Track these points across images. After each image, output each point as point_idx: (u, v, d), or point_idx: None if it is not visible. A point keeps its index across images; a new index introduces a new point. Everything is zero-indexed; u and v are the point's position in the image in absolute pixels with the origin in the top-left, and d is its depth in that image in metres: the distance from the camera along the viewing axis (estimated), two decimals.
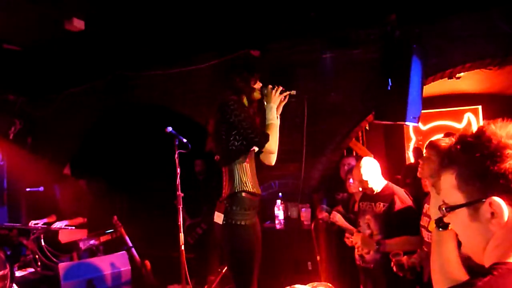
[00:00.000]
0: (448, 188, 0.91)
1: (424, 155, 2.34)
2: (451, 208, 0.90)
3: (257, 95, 2.59)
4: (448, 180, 0.90)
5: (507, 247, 0.82)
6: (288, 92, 2.59)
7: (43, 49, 4.16)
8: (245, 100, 2.58)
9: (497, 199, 0.83)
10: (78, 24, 3.34)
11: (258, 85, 2.60)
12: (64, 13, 3.32)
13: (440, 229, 1.19)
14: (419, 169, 2.33)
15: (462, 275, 1.10)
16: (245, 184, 2.47)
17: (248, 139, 2.45)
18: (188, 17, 3.68)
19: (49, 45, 4.06)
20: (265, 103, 2.57)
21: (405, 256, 2.55)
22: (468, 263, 1.06)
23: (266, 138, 2.46)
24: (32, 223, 4.28)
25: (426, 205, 2.39)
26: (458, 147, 0.89)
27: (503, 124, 0.86)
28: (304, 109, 2.68)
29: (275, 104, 2.55)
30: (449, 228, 1.16)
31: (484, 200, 0.84)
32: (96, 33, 3.79)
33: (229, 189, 2.48)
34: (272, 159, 2.63)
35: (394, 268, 2.52)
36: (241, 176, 2.47)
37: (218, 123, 2.50)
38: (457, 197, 0.88)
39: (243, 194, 2.45)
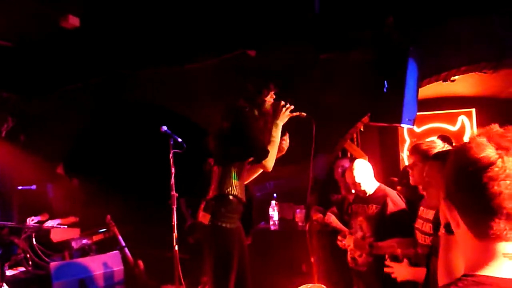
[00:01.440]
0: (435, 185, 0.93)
1: (409, 161, 2.36)
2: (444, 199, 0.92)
3: (267, 108, 2.62)
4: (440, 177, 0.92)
5: (477, 260, 0.82)
6: (297, 113, 2.63)
7: (38, 46, 4.12)
8: (256, 111, 2.59)
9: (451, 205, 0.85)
10: (73, 21, 3.31)
11: (270, 97, 2.63)
12: (59, 10, 3.29)
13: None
14: (410, 177, 2.34)
15: None
16: (234, 188, 2.51)
17: (250, 150, 2.50)
18: (184, 16, 3.66)
19: (44, 42, 4.02)
20: (273, 118, 2.59)
21: (399, 249, 2.55)
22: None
23: (266, 155, 2.49)
24: (29, 220, 4.24)
25: (421, 208, 2.40)
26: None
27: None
28: (312, 132, 2.72)
29: (282, 123, 2.59)
30: None
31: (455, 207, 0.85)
32: (91, 31, 3.77)
33: (217, 189, 2.51)
34: (269, 166, 2.60)
35: (388, 261, 2.48)
36: (232, 180, 2.50)
37: (229, 125, 2.52)
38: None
39: (231, 197, 2.49)
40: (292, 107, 2.60)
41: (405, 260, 2.34)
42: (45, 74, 4.85)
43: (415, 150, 2.29)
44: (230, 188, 2.49)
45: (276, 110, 2.59)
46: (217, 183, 2.53)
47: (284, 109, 2.58)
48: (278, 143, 2.58)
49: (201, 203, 2.57)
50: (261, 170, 2.68)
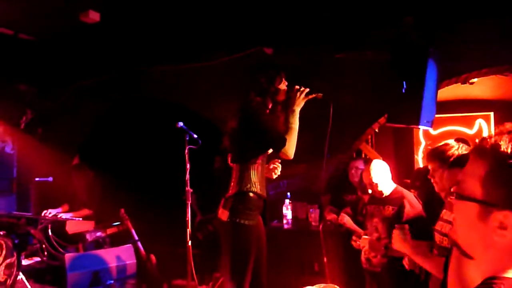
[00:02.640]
0: (469, 176, 0.85)
1: (429, 168, 2.25)
2: (464, 198, 0.85)
3: (282, 96, 2.56)
4: (475, 170, 0.83)
5: (506, 263, 0.80)
6: (313, 95, 2.55)
7: (57, 40, 4.18)
8: (269, 102, 2.55)
9: (509, 214, 0.78)
10: (94, 16, 3.34)
11: (283, 85, 2.57)
12: (80, 4, 3.33)
13: None
14: (434, 184, 2.26)
15: None
16: (253, 185, 2.48)
17: (266, 142, 2.47)
18: (200, 13, 3.67)
19: (63, 36, 4.07)
20: (289, 105, 2.52)
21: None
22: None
23: (283, 142, 2.44)
24: (47, 212, 4.31)
25: (444, 210, 2.36)
26: (500, 143, 0.81)
27: None
28: (329, 113, 2.65)
29: (299, 108, 2.52)
30: None
31: (501, 209, 0.78)
32: (109, 27, 3.80)
33: (237, 187, 2.48)
34: (290, 154, 2.55)
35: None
36: (251, 176, 2.48)
37: (238, 122, 2.50)
38: (476, 190, 0.82)
39: (251, 194, 2.46)
40: (307, 89, 2.53)
41: (407, 226, 2.27)
42: (63, 68, 4.91)
43: (433, 156, 2.23)
44: (249, 185, 2.47)
45: (291, 96, 2.52)
46: (236, 180, 2.51)
47: (298, 93, 2.51)
48: (297, 129, 2.51)
49: (221, 200, 2.56)
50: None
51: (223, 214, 2.48)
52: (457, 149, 2.16)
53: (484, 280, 0.80)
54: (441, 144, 2.33)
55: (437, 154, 2.18)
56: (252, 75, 2.60)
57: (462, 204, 0.86)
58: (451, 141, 2.28)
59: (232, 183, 2.52)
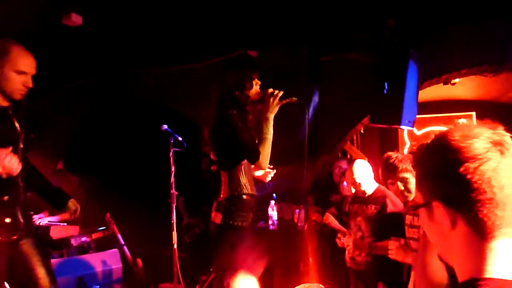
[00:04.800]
0: (415, 189, 0.93)
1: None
2: (413, 208, 0.90)
3: (254, 94, 2.47)
4: (413, 181, 0.92)
5: (476, 261, 0.79)
6: (288, 100, 2.41)
7: (40, 43, 4.13)
8: (240, 109, 2.45)
9: (439, 205, 0.82)
10: (76, 19, 3.32)
11: (256, 84, 2.47)
12: (62, 7, 3.31)
13: None
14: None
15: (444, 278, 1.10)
16: (244, 186, 2.46)
17: (240, 155, 2.44)
18: (186, 16, 3.68)
19: (46, 39, 4.04)
20: (262, 111, 2.41)
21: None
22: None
23: (257, 156, 2.38)
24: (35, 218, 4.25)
25: (407, 216, 2.39)
26: (420, 149, 0.89)
27: (465, 126, 0.84)
28: (304, 117, 2.59)
29: (273, 114, 2.40)
30: None
31: (432, 203, 0.83)
32: (94, 29, 3.78)
33: (228, 190, 2.47)
34: (264, 166, 2.49)
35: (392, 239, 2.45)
36: (240, 178, 2.46)
37: (213, 133, 2.49)
38: (418, 197, 0.88)
39: (244, 196, 2.45)
40: (281, 93, 2.39)
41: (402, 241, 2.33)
42: (47, 72, 4.86)
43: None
44: (240, 188, 2.44)
45: (264, 100, 2.39)
46: (226, 183, 2.50)
47: (272, 98, 2.37)
48: (271, 139, 2.41)
49: (214, 204, 2.55)
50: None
51: (217, 217, 2.47)
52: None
53: (462, 283, 0.79)
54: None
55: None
56: (223, 71, 2.53)
57: (420, 215, 0.91)
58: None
59: (223, 187, 2.50)
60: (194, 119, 4.51)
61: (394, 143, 6.31)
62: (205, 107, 2.84)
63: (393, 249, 2.31)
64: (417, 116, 3.43)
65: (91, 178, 4.69)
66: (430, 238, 0.90)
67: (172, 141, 3.27)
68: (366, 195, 3.03)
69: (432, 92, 4.57)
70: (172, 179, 3.25)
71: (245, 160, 2.48)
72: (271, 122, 2.42)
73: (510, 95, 5.30)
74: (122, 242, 4.35)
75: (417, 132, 5.98)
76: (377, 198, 2.97)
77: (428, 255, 1.15)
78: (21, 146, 2.16)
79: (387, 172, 2.47)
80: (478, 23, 3.54)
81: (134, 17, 3.68)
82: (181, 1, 3.38)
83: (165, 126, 3.30)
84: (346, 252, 3.10)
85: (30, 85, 2.12)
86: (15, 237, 2.09)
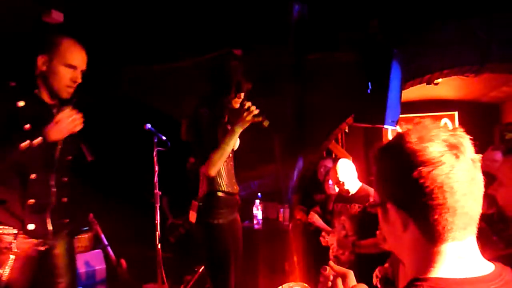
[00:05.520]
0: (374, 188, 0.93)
1: None
2: (371, 206, 0.90)
3: (234, 103, 2.44)
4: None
5: (423, 262, 0.80)
6: (258, 119, 2.33)
7: (21, 42, 4.05)
8: (213, 114, 2.46)
9: (392, 207, 0.82)
10: (57, 16, 3.26)
11: (239, 98, 2.42)
12: (43, 4, 3.24)
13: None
14: None
15: None
16: (219, 184, 2.46)
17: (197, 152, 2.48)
18: (170, 14, 3.64)
19: (27, 38, 3.95)
20: (233, 122, 2.39)
21: (377, 268, 2.58)
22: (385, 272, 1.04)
23: (203, 160, 2.39)
24: None
25: None
26: (378, 149, 0.89)
27: (423, 127, 0.83)
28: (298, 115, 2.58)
29: (241, 128, 2.35)
30: None
31: (386, 204, 0.83)
32: (75, 27, 3.71)
33: (204, 188, 2.48)
34: (210, 172, 2.44)
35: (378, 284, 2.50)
36: (215, 176, 2.46)
37: (188, 125, 2.51)
38: (375, 196, 0.89)
39: (218, 193, 2.45)
40: (257, 111, 2.32)
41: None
42: (29, 71, 4.77)
43: None
44: (216, 185, 2.46)
45: (239, 112, 2.35)
46: (204, 181, 2.51)
47: (246, 113, 2.31)
48: (228, 150, 2.37)
49: (191, 203, 2.54)
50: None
51: (192, 216, 2.47)
52: None
53: (407, 283, 0.80)
54: None
55: None
56: (211, 79, 2.51)
57: (377, 213, 0.92)
58: None
59: (200, 185, 2.51)
60: (179, 118, 4.47)
61: (379, 142, 6.37)
62: (190, 105, 2.83)
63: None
64: (401, 115, 3.46)
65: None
66: (385, 236, 0.90)
67: (156, 140, 3.24)
68: (350, 194, 3.05)
69: (416, 91, 4.62)
70: (156, 179, 3.23)
71: (224, 159, 2.48)
72: (236, 136, 2.38)
73: (492, 95, 5.40)
74: (106, 243, 4.30)
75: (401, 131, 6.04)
76: (361, 197, 2.99)
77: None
78: (60, 146, 1.99)
79: None
80: (460, 23, 3.59)
81: (118, 14, 3.63)
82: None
83: (149, 125, 3.27)
84: (330, 250, 3.11)
85: (79, 80, 1.98)
86: (41, 247, 1.88)
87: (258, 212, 3.94)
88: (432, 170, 0.76)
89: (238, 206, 2.62)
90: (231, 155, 2.55)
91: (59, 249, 1.96)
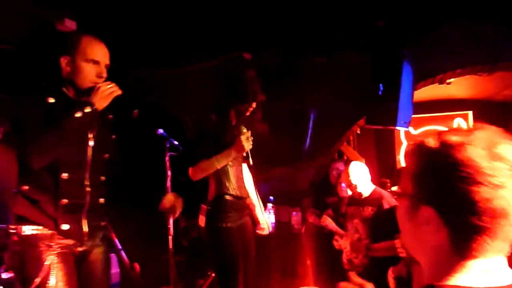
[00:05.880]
0: (404, 175, 0.86)
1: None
2: (398, 195, 0.87)
3: (247, 111, 2.50)
4: (407, 169, 0.84)
5: (443, 270, 0.76)
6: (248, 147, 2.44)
7: (35, 48, 4.12)
8: (228, 117, 2.52)
9: (430, 209, 0.76)
10: (70, 24, 3.32)
11: (253, 104, 2.49)
12: (56, 14, 3.30)
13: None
14: None
15: None
16: (227, 187, 2.49)
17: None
18: (179, 18, 3.67)
19: (40, 44, 4.02)
20: (232, 146, 2.44)
21: (390, 269, 2.55)
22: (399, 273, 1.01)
23: (191, 164, 2.47)
24: None
25: None
26: (426, 140, 0.82)
27: (489, 137, 0.76)
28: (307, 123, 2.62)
29: (235, 153, 2.44)
30: None
31: (426, 204, 0.77)
32: (88, 33, 3.77)
33: (213, 192, 2.50)
34: (193, 177, 2.57)
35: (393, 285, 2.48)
36: (223, 180, 2.48)
37: (193, 128, 2.58)
38: (407, 187, 0.82)
39: (226, 196, 2.48)
40: (250, 146, 2.44)
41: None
42: (41, 76, 4.85)
43: None
44: (224, 188, 2.48)
45: (239, 135, 2.42)
46: (213, 185, 2.53)
47: (246, 140, 2.40)
48: (217, 167, 2.44)
49: (200, 207, 2.56)
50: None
51: (202, 220, 2.49)
52: None
53: (423, 287, 0.76)
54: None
55: None
56: (227, 86, 2.54)
57: (399, 203, 0.87)
58: None
59: (210, 189, 2.53)
60: (186, 122, 4.49)
61: (390, 143, 6.32)
62: (199, 109, 2.85)
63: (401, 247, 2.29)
64: (414, 115, 3.43)
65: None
66: (402, 230, 0.86)
67: (168, 145, 3.26)
68: (363, 197, 3.03)
69: (428, 91, 4.58)
70: (169, 183, 3.24)
71: (230, 163, 2.50)
72: (229, 158, 2.44)
73: (505, 93, 5.32)
74: (119, 247, 4.33)
75: (414, 131, 5.99)
76: (374, 200, 2.96)
77: None
78: (90, 144, 1.90)
79: None
80: (471, 22, 3.54)
81: (128, 20, 3.67)
82: (174, 3, 3.37)
83: (161, 130, 3.29)
84: (344, 254, 3.09)
85: (105, 75, 1.94)
86: (78, 249, 1.81)
87: (270, 215, 3.93)
88: (494, 193, 0.71)
89: (248, 210, 2.63)
90: (240, 159, 2.56)
91: (96, 256, 1.90)
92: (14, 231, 1.73)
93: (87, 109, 1.80)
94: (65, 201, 1.75)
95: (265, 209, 3.98)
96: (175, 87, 4.72)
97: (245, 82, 2.50)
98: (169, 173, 3.27)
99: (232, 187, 2.49)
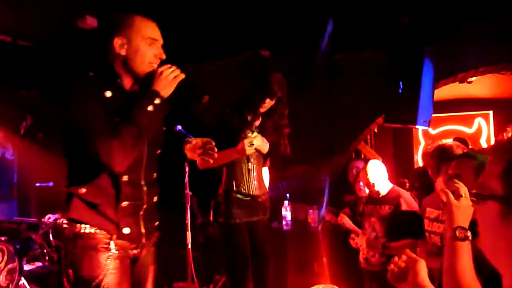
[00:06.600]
0: (489, 175, 0.76)
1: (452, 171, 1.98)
2: (483, 197, 0.76)
3: (265, 108, 2.54)
4: (493, 168, 0.75)
5: None
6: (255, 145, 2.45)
7: (56, 45, 4.21)
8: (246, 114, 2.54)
9: None
10: (91, 21, 3.38)
11: (269, 102, 2.52)
12: (78, 11, 3.36)
13: (462, 239, 1.13)
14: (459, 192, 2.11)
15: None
16: (234, 184, 2.50)
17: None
18: (198, 16, 3.69)
19: (62, 41, 4.10)
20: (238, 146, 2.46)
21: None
22: (475, 255, 1.00)
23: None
24: (46, 218, 4.32)
25: (428, 209, 2.36)
26: None
27: None
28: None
29: (237, 156, 2.47)
30: (468, 239, 1.11)
31: None
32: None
33: (223, 187, 2.51)
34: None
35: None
36: (232, 176, 2.51)
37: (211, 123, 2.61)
38: (496, 188, 0.73)
39: (232, 193, 2.49)
40: (264, 143, 2.49)
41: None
42: (62, 73, 4.94)
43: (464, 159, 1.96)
44: (229, 186, 2.49)
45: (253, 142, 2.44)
46: (223, 181, 2.54)
47: (252, 146, 2.42)
48: (220, 163, 2.44)
49: (211, 202, 2.59)
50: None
51: (212, 216, 2.52)
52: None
53: None
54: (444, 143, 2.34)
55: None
56: (254, 86, 2.54)
57: (483, 206, 0.77)
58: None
59: (221, 185, 2.55)
60: (205, 119, 4.52)
61: (408, 142, 6.24)
62: (217, 107, 2.87)
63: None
64: (433, 115, 3.38)
65: None
66: (487, 236, 0.78)
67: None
68: (380, 195, 3.01)
69: (448, 90, 4.50)
70: (187, 179, 3.27)
71: (241, 160, 2.51)
72: (230, 158, 2.46)
73: None
74: None
75: (432, 131, 5.90)
76: (391, 199, 2.95)
77: (457, 261, 1.10)
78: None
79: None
80: (495, 20, 3.47)
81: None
82: (193, 1, 3.40)
83: (179, 127, 3.31)
84: (360, 252, 3.08)
85: (163, 55, 1.75)
86: (135, 252, 1.71)
87: (287, 213, 3.94)
88: None
89: (262, 208, 2.62)
90: (254, 156, 2.57)
91: (146, 259, 1.81)
92: (69, 228, 1.63)
93: (157, 101, 1.61)
94: (125, 203, 1.65)
95: (282, 207, 3.99)
96: (194, 84, 4.75)
97: (262, 77, 2.53)
98: (187, 169, 3.30)
99: (240, 184, 2.49)
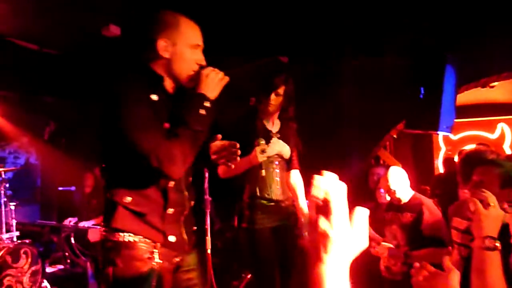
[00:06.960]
0: None
1: (476, 177, 1.89)
2: None
3: (273, 106, 2.54)
4: None
5: None
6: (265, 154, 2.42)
7: (81, 53, 4.31)
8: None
9: None
10: (115, 30, 3.45)
11: (275, 99, 2.52)
12: (102, 19, 3.44)
13: (491, 249, 1.13)
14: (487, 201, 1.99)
15: None
16: (258, 190, 2.49)
17: None
18: (216, 21, 3.73)
19: (86, 50, 4.20)
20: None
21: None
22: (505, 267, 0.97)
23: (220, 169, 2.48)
24: (67, 221, 4.41)
25: (456, 219, 2.31)
26: None
27: None
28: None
29: (251, 164, 2.43)
30: (498, 249, 1.11)
31: None
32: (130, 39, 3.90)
33: (247, 193, 2.51)
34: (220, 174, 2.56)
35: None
36: (254, 182, 2.49)
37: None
38: None
39: (256, 199, 2.48)
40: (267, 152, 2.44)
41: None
42: (87, 79, 5.05)
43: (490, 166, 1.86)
44: (253, 192, 2.49)
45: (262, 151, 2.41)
46: (247, 186, 2.55)
47: (262, 155, 2.41)
48: (231, 173, 2.44)
49: (235, 208, 2.59)
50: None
51: (235, 221, 2.53)
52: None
53: None
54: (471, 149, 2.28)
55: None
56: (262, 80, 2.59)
57: None
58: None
59: (245, 190, 2.55)
60: (225, 125, 4.55)
61: (428, 148, 6.15)
62: (236, 112, 2.89)
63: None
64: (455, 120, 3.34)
65: None
66: None
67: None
68: (402, 202, 2.96)
69: (469, 95, 4.43)
70: (206, 184, 3.30)
71: (264, 165, 2.50)
72: (248, 165, 2.42)
73: None
74: None
75: (453, 137, 5.80)
76: (414, 206, 2.89)
77: (486, 271, 1.09)
78: None
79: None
80: None
81: None
82: (211, 6, 3.43)
83: None
84: (381, 261, 3.03)
85: (204, 62, 1.64)
86: (177, 259, 1.63)
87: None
88: None
89: (286, 213, 2.61)
90: (277, 162, 2.56)
91: (189, 264, 1.71)
92: (112, 237, 1.54)
93: (207, 104, 1.54)
94: (171, 210, 1.58)
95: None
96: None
97: (270, 74, 2.56)
98: (206, 175, 3.33)
99: (265, 190, 2.50)
